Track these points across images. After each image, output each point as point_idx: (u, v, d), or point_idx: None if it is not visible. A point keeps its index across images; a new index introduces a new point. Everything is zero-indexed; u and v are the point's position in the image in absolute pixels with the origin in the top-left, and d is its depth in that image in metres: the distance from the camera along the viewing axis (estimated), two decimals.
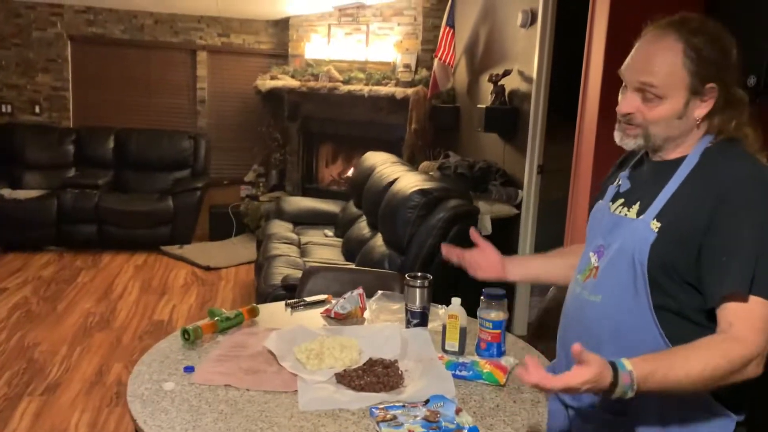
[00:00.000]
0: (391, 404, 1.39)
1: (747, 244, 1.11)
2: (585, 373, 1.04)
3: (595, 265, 1.30)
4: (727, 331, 1.11)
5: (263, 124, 6.34)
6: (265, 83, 5.84)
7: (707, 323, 1.17)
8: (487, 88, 4.32)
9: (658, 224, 1.20)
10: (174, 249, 5.50)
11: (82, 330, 3.79)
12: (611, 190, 1.38)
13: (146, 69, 6.26)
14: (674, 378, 1.08)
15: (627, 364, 1.07)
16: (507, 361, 1.62)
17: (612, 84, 3.08)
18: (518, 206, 3.93)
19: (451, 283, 3.13)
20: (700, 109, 1.23)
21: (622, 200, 1.33)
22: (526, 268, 1.72)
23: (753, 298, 1.10)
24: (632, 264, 1.21)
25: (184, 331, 1.71)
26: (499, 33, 4.45)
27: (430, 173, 4.15)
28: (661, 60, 1.20)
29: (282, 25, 6.27)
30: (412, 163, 4.84)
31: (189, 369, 1.56)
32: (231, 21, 6.28)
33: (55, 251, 5.36)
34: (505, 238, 3.96)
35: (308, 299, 2.05)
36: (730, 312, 1.12)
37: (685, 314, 1.20)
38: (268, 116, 6.31)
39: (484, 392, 1.51)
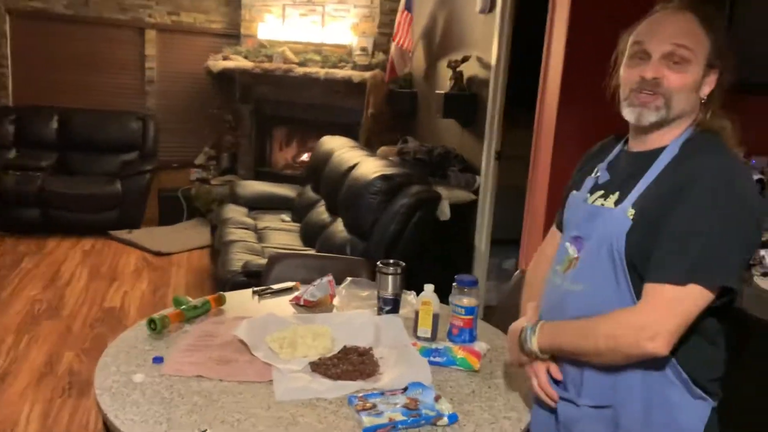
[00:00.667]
0: (370, 392, 1.39)
1: (689, 235, 1.14)
2: None
3: (575, 255, 1.32)
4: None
5: (214, 106, 6.19)
6: (217, 64, 5.68)
7: None
8: (445, 74, 4.32)
9: (633, 212, 1.22)
10: (123, 234, 5.33)
11: (29, 318, 3.64)
12: (589, 182, 1.39)
13: (92, 47, 5.99)
14: (572, 347, 1.24)
15: (535, 330, 1.29)
16: (480, 346, 1.63)
17: (573, 71, 3.15)
18: (476, 192, 3.96)
19: (411, 271, 3.15)
20: (706, 86, 1.25)
21: (601, 192, 1.34)
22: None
23: (664, 284, 1.14)
24: (611, 253, 1.23)
25: (151, 321, 1.66)
26: (457, 18, 4.45)
27: (390, 158, 4.14)
28: (688, 26, 1.23)
29: (234, 4, 6.10)
30: (369, 147, 4.81)
31: (158, 360, 1.52)
32: None
33: None
34: (463, 224, 3.99)
35: (275, 287, 2.02)
36: (648, 288, 1.17)
37: None
38: (220, 98, 6.16)
39: (459, 378, 1.52)
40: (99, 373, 1.46)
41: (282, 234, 3.97)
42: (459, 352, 1.58)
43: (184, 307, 1.76)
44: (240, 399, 1.37)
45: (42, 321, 3.61)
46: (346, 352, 1.56)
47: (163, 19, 6.09)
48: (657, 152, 1.27)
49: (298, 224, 4.18)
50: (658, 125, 1.27)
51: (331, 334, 1.64)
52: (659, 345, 1.13)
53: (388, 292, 1.79)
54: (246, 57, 5.68)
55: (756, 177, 2.41)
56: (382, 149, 4.59)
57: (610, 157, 1.39)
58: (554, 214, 1.53)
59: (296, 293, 1.94)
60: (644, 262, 1.19)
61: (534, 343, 1.28)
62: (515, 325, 1.38)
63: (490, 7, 3.87)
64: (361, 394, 1.37)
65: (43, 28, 5.83)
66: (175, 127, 6.25)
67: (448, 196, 3.86)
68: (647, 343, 1.13)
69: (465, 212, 3.97)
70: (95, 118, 5.83)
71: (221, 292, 1.88)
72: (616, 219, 1.24)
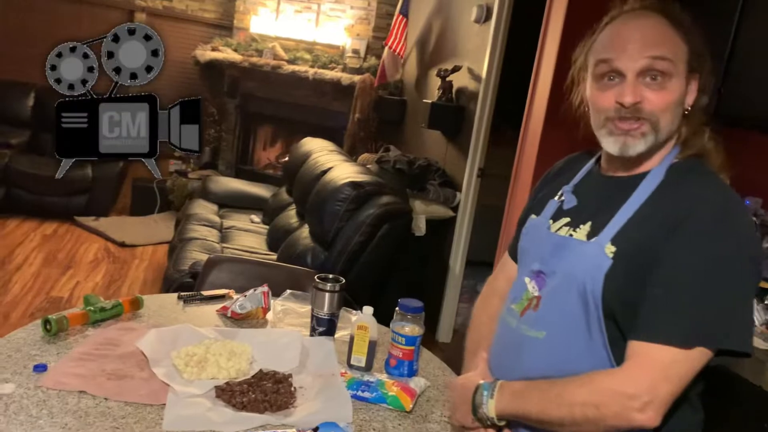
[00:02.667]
0: (275, 429, 1.18)
1: (681, 284, 0.95)
2: None
3: (535, 294, 1.11)
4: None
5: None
6: (205, 54, 5.50)
7: None
8: (435, 83, 4.14)
9: (614, 248, 1.02)
10: (89, 221, 5.11)
11: None
12: (551, 205, 1.19)
13: (77, 27, 5.77)
14: (540, 415, 1.02)
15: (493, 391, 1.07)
16: (417, 383, 1.42)
17: (561, 92, 2.97)
18: (455, 209, 3.77)
19: (377, 287, 2.95)
20: (690, 95, 1.07)
21: (567, 219, 1.14)
22: None
23: (660, 344, 0.95)
24: (583, 295, 1.03)
25: (46, 321, 1.44)
26: (452, 26, 4.28)
27: (368, 166, 3.95)
28: (660, 31, 1.03)
29: None
30: (353, 154, 4.63)
31: (40, 368, 1.30)
32: None
33: None
34: (439, 241, 3.80)
35: (205, 293, 1.81)
36: (634, 347, 0.98)
37: None
38: (205, 89, 5.96)
39: (387, 419, 1.31)
40: None
41: (247, 235, 3.76)
42: (392, 388, 1.37)
43: (90, 308, 1.55)
44: (120, 424, 1.16)
45: None
46: (260, 377, 1.35)
47: (155, 3, 5.90)
48: (639, 178, 1.07)
49: (267, 226, 3.97)
50: (647, 153, 1.07)
51: (251, 355, 1.43)
52: (651, 416, 0.93)
53: (323, 311, 1.58)
54: (235, 50, 5.50)
55: None
56: (363, 156, 4.40)
57: (578, 178, 1.19)
58: None
59: (225, 303, 1.74)
60: (625, 311, 1.00)
61: (491, 409, 1.08)
62: (464, 381, 1.17)
63: (485, 17, 3.70)
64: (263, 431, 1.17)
65: (28, 4, 5.63)
66: None
67: (426, 211, 3.67)
68: (637, 415, 0.94)
69: (442, 229, 3.78)
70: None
71: (138, 295, 1.67)
72: (591, 256, 1.04)
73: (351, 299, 1.83)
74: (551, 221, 1.17)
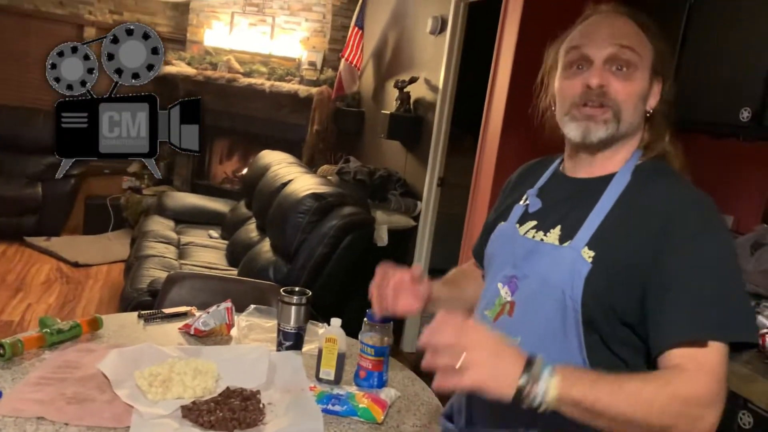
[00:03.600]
0: None
1: (697, 283, 0.95)
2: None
3: (508, 299, 1.11)
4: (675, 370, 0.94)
5: None
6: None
7: (646, 369, 1.01)
8: (392, 94, 4.16)
9: (592, 253, 1.02)
10: (40, 241, 4.95)
11: None
12: (517, 210, 1.20)
13: (24, 41, 5.62)
14: (607, 408, 0.88)
15: (553, 371, 0.88)
16: (387, 394, 1.41)
17: (517, 99, 3.02)
18: (416, 218, 3.78)
19: (341, 299, 2.93)
20: (652, 98, 1.11)
21: (533, 222, 1.14)
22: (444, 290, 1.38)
23: (706, 343, 0.93)
24: (562, 301, 1.02)
25: None
26: (408, 38, 4.32)
27: (329, 177, 3.93)
28: (629, 29, 1.09)
29: (182, 8, 5.85)
30: (312, 166, 4.60)
31: None
32: None
33: None
34: (401, 250, 3.80)
35: (167, 311, 1.76)
36: (676, 355, 0.94)
37: (622, 359, 1.03)
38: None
39: (358, 431, 1.30)
40: None
41: (206, 251, 3.70)
42: (362, 401, 1.36)
43: (46, 330, 1.49)
44: None
45: None
46: (228, 395, 1.32)
47: (105, 17, 5.79)
48: (605, 180, 1.08)
49: (226, 241, 3.91)
50: (605, 143, 1.09)
51: (216, 373, 1.39)
52: (714, 424, 0.91)
53: (290, 324, 1.56)
54: (189, 63, 5.43)
55: None
56: (323, 168, 4.39)
57: (542, 181, 1.20)
58: None
59: (188, 320, 1.69)
60: (606, 315, 0.99)
61: (552, 387, 0.87)
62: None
63: (440, 29, 3.74)
64: None
65: None
66: None
67: (388, 221, 3.67)
68: (706, 425, 0.90)
69: (404, 238, 3.79)
70: (21, 115, 5.45)
71: (97, 315, 1.62)
72: (568, 261, 1.03)
73: (315, 312, 1.81)
74: (518, 225, 1.18)
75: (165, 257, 3.39)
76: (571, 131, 1.10)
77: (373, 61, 4.91)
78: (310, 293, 1.58)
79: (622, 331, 1.02)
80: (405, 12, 4.39)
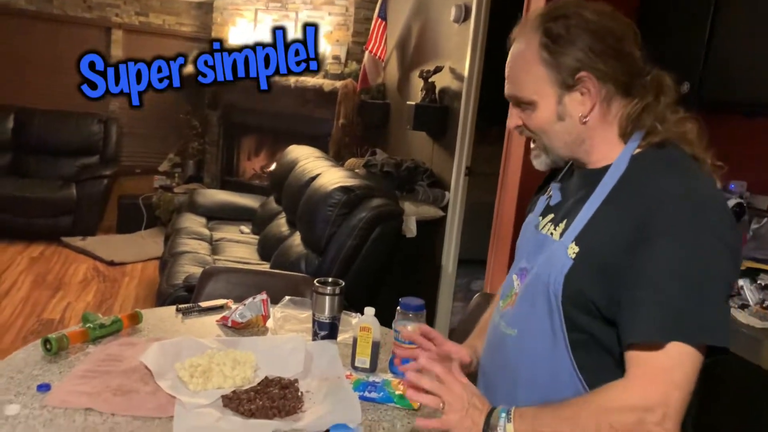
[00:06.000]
0: None
1: (659, 284, 0.92)
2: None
3: (516, 291, 1.12)
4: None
5: (181, 111, 5.96)
6: (185, 67, 5.46)
7: None
8: (417, 85, 4.16)
9: (577, 249, 1.01)
10: (76, 241, 5.07)
11: None
12: (541, 203, 1.20)
13: (54, 45, 5.74)
14: None
15: (511, 415, 0.99)
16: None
17: None
18: (444, 208, 3.78)
19: (372, 290, 2.95)
20: (582, 105, 1.05)
21: (551, 216, 1.14)
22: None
23: (661, 345, 0.92)
24: (547, 295, 1.03)
25: (46, 341, 1.43)
26: (432, 27, 4.30)
27: (356, 170, 3.95)
28: (519, 63, 1.09)
29: (206, 7, 5.91)
30: (339, 159, 4.62)
31: (43, 387, 1.29)
32: None
33: None
34: (430, 241, 3.81)
35: (204, 304, 1.80)
36: (632, 357, 0.94)
37: (608, 353, 1.02)
38: (187, 103, 5.94)
39: (395, 418, 1.31)
40: None
41: (238, 246, 3.75)
42: (398, 388, 1.37)
43: (89, 325, 1.54)
44: None
45: None
46: (266, 384, 1.35)
47: (131, 19, 5.88)
48: (600, 172, 1.06)
49: (257, 237, 3.96)
50: (564, 160, 1.13)
51: (255, 363, 1.42)
52: (670, 428, 0.90)
53: (325, 314, 1.58)
54: None
55: (735, 201, 2.25)
56: (350, 161, 4.40)
57: (563, 172, 1.21)
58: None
59: (225, 313, 1.73)
60: (588, 313, 0.99)
61: None
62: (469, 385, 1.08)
63: (464, 17, 3.72)
64: None
65: (3, 24, 5.58)
66: (139, 131, 6.01)
67: (416, 212, 3.67)
68: (656, 429, 0.90)
69: (433, 229, 3.79)
70: (54, 119, 5.58)
71: (137, 310, 1.66)
72: (555, 256, 1.04)
73: (347, 303, 1.83)
74: (540, 218, 1.19)
75: (199, 253, 3.45)
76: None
77: (397, 52, 4.90)
78: (343, 283, 1.60)
79: (609, 332, 1.00)
80: (428, 1, 4.38)
